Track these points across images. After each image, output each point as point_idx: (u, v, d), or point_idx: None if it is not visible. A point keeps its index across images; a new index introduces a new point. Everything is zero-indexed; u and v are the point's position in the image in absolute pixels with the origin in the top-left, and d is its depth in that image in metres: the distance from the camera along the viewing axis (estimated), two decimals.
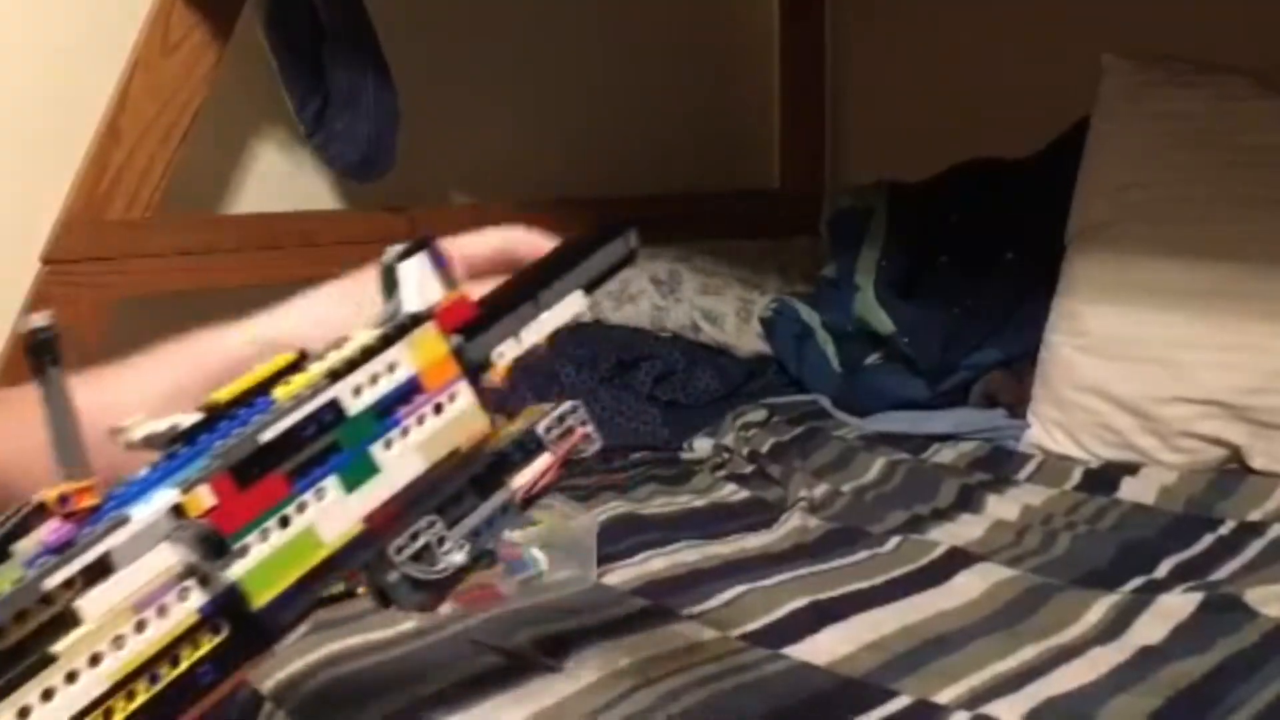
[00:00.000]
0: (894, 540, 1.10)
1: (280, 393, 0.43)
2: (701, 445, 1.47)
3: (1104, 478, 1.29)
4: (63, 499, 0.38)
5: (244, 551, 0.40)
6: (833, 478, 1.32)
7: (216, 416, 0.42)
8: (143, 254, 1.51)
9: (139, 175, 1.50)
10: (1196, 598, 0.94)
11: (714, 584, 1.01)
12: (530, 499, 0.49)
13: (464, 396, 0.47)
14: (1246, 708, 0.78)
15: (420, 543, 0.45)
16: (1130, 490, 1.25)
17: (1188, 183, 1.35)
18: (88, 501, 0.38)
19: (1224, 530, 1.12)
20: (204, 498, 0.40)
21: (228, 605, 0.39)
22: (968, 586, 1.00)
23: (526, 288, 0.52)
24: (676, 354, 1.70)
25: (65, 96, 1.49)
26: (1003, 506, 1.21)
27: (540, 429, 0.50)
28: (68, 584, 0.37)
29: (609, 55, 2.07)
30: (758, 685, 0.83)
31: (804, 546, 1.11)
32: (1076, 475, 1.30)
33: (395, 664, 0.88)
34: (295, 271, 1.67)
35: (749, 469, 1.37)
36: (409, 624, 0.95)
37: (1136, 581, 1.01)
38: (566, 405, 0.51)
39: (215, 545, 0.39)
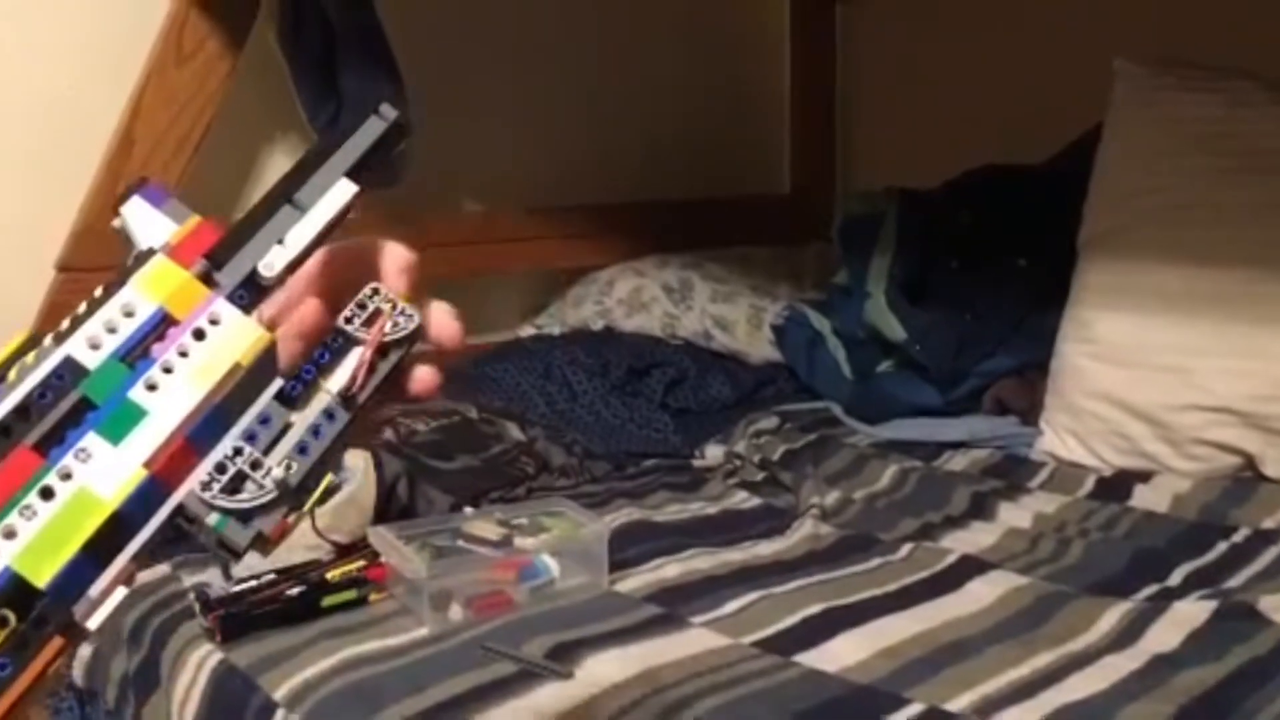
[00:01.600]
0: (906, 548, 1.10)
1: (13, 374, 0.41)
2: (713, 452, 1.47)
3: (1117, 485, 1.28)
4: None
5: (11, 534, 0.37)
6: (845, 485, 1.32)
7: None
8: None
9: None
10: (1210, 605, 0.93)
11: (726, 591, 1.01)
12: (354, 396, 0.45)
13: (227, 315, 0.43)
14: (1260, 716, 0.77)
15: (230, 473, 0.41)
16: (1143, 498, 1.24)
17: (1200, 188, 1.35)
18: None
19: (1237, 538, 1.12)
20: None
21: (6, 593, 0.37)
22: (980, 594, 1.00)
23: (280, 192, 0.48)
24: (688, 361, 1.70)
25: (80, 106, 1.50)
26: (1015, 514, 1.20)
27: (339, 322, 0.46)
28: None
29: (620, 62, 2.08)
30: (770, 692, 0.83)
31: (816, 554, 1.11)
32: (1089, 483, 1.30)
33: (407, 670, 0.89)
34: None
35: (761, 476, 1.37)
36: (420, 631, 0.95)
37: (1149, 589, 1.00)
38: (365, 290, 0.47)
39: None
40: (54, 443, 0.39)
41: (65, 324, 0.42)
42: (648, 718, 0.79)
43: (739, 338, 1.78)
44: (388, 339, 0.46)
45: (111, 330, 0.41)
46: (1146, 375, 1.32)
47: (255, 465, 0.41)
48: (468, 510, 1.16)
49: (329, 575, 1.01)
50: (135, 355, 0.41)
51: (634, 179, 2.06)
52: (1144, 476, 1.30)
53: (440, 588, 0.97)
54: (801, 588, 1.02)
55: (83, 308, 0.42)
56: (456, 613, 0.97)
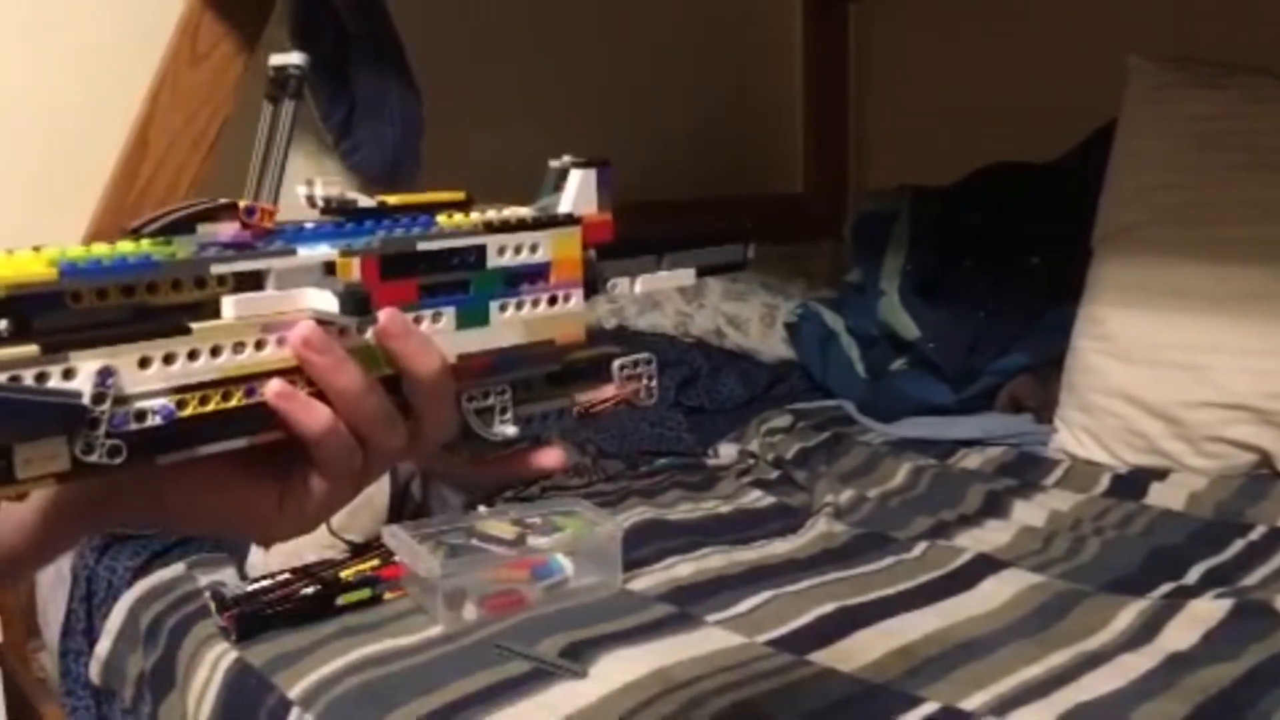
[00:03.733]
0: (920, 546, 1.10)
1: (443, 219, 0.48)
2: (726, 451, 1.47)
3: (1132, 483, 1.28)
4: (249, 210, 0.43)
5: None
6: (858, 483, 1.32)
7: (387, 212, 0.47)
8: None
9: (167, 185, 1.51)
10: (1226, 604, 0.93)
11: (739, 589, 1.01)
12: (588, 413, 0.53)
13: (576, 300, 0.52)
14: (1277, 715, 0.77)
15: (489, 402, 0.49)
16: (1159, 496, 1.24)
17: (1214, 185, 1.34)
18: (267, 223, 0.44)
19: (1254, 536, 1.11)
20: (353, 269, 0.44)
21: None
22: (995, 592, 0.99)
23: (659, 244, 0.56)
24: (701, 360, 1.70)
25: (94, 107, 1.51)
26: (1030, 512, 1.20)
27: (616, 364, 0.54)
28: (222, 279, 0.41)
29: (633, 62, 2.08)
30: (783, 691, 0.83)
31: (830, 552, 1.11)
32: (1104, 481, 1.29)
33: (421, 669, 0.89)
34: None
35: (774, 475, 1.37)
36: (434, 630, 0.95)
37: (1165, 587, 1.00)
38: (643, 355, 0.55)
39: (359, 304, 0.42)
40: (430, 293, 0.47)
41: (492, 214, 0.50)
42: (661, 717, 0.79)
43: (752, 336, 1.78)
44: (634, 401, 0.55)
45: (517, 251, 0.50)
46: (1162, 372, 1.31)
47: (503, 409, 0.49)
48: (481, 509, 1.16)
49: (343, 574, 1.01)
50: (513, 278, 0.49)
51: (647, 178, 2.06)
52: (1159, 474, 1.29)
53: (454, 587, 0.97)
54: (815, 586, 1.02)
55: (517, 217, 0.50)
56: (470, 612, 0.97)
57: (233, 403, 0.42)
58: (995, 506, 1.22)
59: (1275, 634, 0.88)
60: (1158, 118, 1.41)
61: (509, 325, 0.49)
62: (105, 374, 0.38)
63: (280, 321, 0.42)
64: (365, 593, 1.01)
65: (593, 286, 0.53)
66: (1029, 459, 1.38)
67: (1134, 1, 1.80)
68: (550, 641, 0.91)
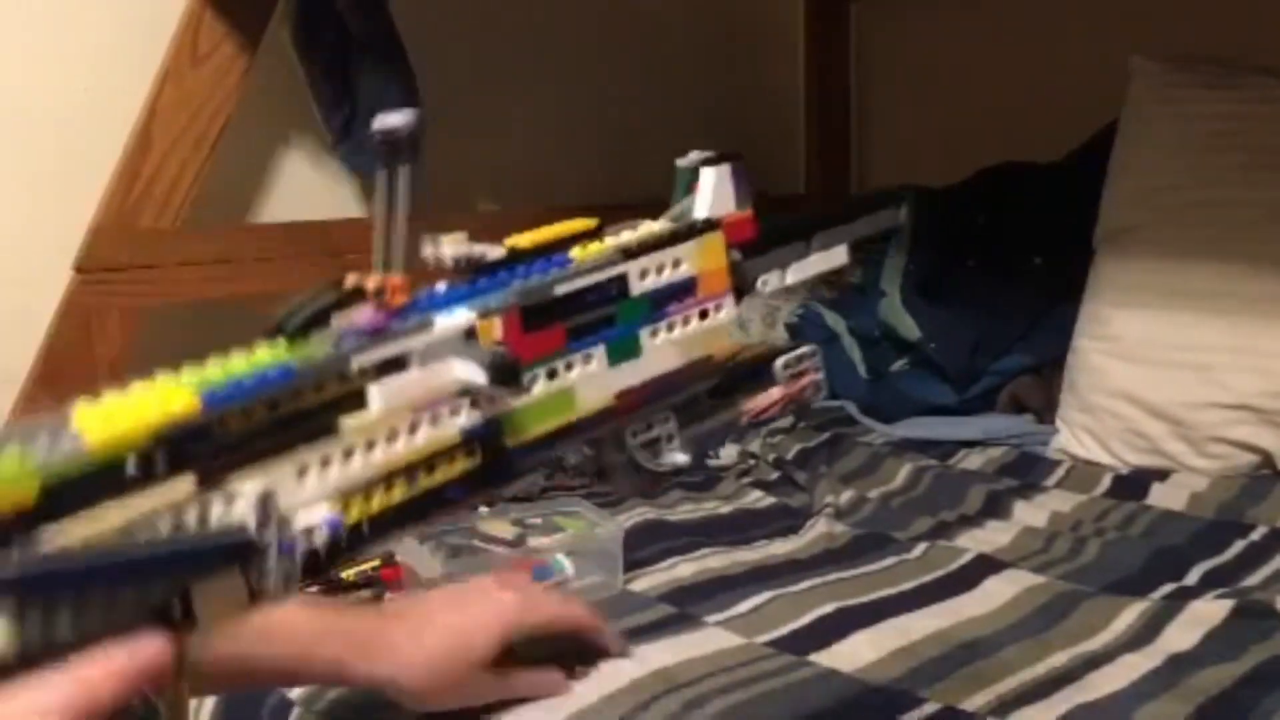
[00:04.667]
0: (921, 546, 1.10)
1: (577, 253, 0.46)
2: (727, 452, 1.46)
3: (1133, 484, 1.28)
4: (380, 290, 0.41)
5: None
6: (859, 484, 1.31)
7: (519, 259, 0.45)
8: (173, 263, 1.52)
9: (169, 184, 1.51)
10: (1228, 604, 0.93)
11: (740, 590, 1.01)
12: (753, 423, 0.51)
13: (728, 309, 0.50)
14: (1279, 716, 0.77)
15: (653, 433, 0.47)
16: (1160, 496, 1.24)
17: (1217, 185, 1.34)
18: (400, 298, 0.42)
19: (1255, 536, 1.11)
20: (495, 328, 0.43)
21: (487, 435, 0.42)
22: (996, 593, 0.99)
23: (804, 228, 0.54)
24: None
25: (96, 107, 1.51)
26: (1031, 513, 1.20)
27: (779, 363, 0.51)
28: (364, 370, 0.40)
29: (632, 60, 2.08)
30: (784, 692, 0.83)
31: (830, 553, 1.11)
32: (1106, 481, 1.29)
33: None
34: (324, 278, 1.68)
35: (775, 475, 1.37)
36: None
37: (1167, 588, 1.00)
38: (806, 348, 0.53)
39: (508, 373, 0.41)
40: (577, 335, 0.45)
41: (628, 237, 0.48)
42: (662, 717, 0.79)
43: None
44: (801, 399, 0.53)
45: (659, 271, 0.48)
46: (1164, 373, 1.31)
47: (670, 438, 0.48)
48: (482, 510, 1.16)
49: (344, 574, 1.01)
50: (660, 299, 0.48)
51: (649, 178, 2.05)
52: (1161, 475, 1.29)
53: None
54: (816, 587, 1.02)
55: (652, 234, 0.48)
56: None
57: (397, 495, 0.40)
58: (996, 507, 1.22)
59: (1277, 635, 0.88)
60: (1161, 118, 1.41)
61: (663, 350, 0.47)
62: (265, 500, 0.37)
63: (430, 400, 0.41)
64: (366, 593, 1.01)
65: (742, 290, 0.51)
66: (1030, 459, 1.38)
67: (1137, 1, 1.80)
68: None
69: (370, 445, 0.39)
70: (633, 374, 0.46)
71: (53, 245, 1.46)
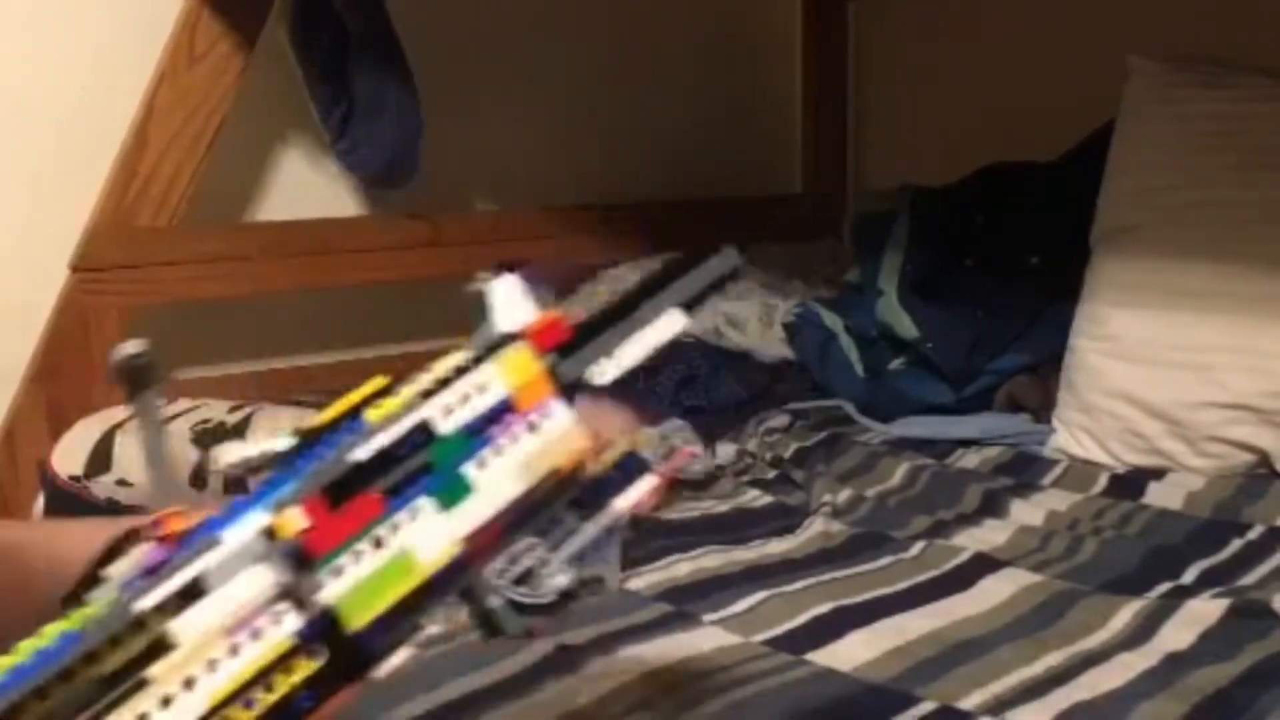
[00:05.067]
0: (918, 545, 1.10)
1: (372, 414, 0.43)
2: (725, 451, 1.46)
3: (1130, 483, 1.28)
4: (155, 523, 0.38)
5: (339, 573, 0.40)
6: (856, 483, 1.31)
7: (310, 441, 0.42)
8: (169, 261, 1.52)
9: (166, 183, 1.51)
10: (1224, 603, 0.93)
11: (737, 589, 1.01)
12: (637, 518, 0.47)
13: (560, 415, 0.46)
14: (1275, 715, 0.77)
15: (522, 566, 0.45)
16: (1157, 495, 1.24)
17: (1214, 185, 1.34)
18: (180, 525, 0.38)
19: (1252, 535, 1.11)
20: (296, 519, 0.39)
21: (324, 629, 0.39)
22: (992, 592, 0.99)
23: (623, 307, 0.51)
24: (700, 359, 1.70)
25: (93, 106, 1.51)
26: (1028, 512, 1.20)
27: (643, 450, 0.48)
28: (160, 607, 0.36)
29: (630, 60, 2.08)
30: (780, 691, 0.83)
31: (827, 552, 1.11)
32: (1102, 480, 1.29)
33: (417, 669, 0.88)
34: (319, 278, 1.69)
35: (772, 474, 1.37)
36: (432, 629, 0.95)
37: (1163, 587, 1.00)
38: (671, 423, 0.50)
39: (304, 564, 0.38)
40: (394, 494, 0.41)
41: (428, 381, 0.44)
42: (658, 716, 0.79)
43: (751, 335, 1.78)
44: (687, 476, 0.47)
45: (465, 401, 0.44)
46: (1161, 372, 1.31)
47: (543, 563, 0.44)
48: None
49: None
50: (475, 431, 0.44)
51: (646, 178, 2.06)
52: (1158, 474, 1.29)
53: None
54: (812, 586, 1.02)
55: (447, 370, 0.45)
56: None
57: (259, 710, 0.37)
58: (993, 506, 1.22)
59: (1273, 634, 0.88)
60: (1158, 118, 1.41)
61: (498, 479, 0.44)
62: None
63: (245, 615, 0.37)
64: None
65: (569, 392, 0.47)
66: (1027, 459, 1.38)
67: (1135, 1, 1.80)
68: (547, 640, 0.90)
69: (189, 683, 0.36)
70: (473, 514, 0.43)
71: (50, 244, 1.46)
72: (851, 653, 0.88)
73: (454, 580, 0.43)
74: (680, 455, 0.49)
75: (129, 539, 0.38)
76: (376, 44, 1.61)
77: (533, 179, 1.94)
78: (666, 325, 0.51)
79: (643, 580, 1.04)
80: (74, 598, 0.37)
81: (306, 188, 1.73)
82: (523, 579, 0.45)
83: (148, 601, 0.36)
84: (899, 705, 0.80)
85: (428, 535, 0.42)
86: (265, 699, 0.37)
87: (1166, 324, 1.32)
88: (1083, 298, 1.41)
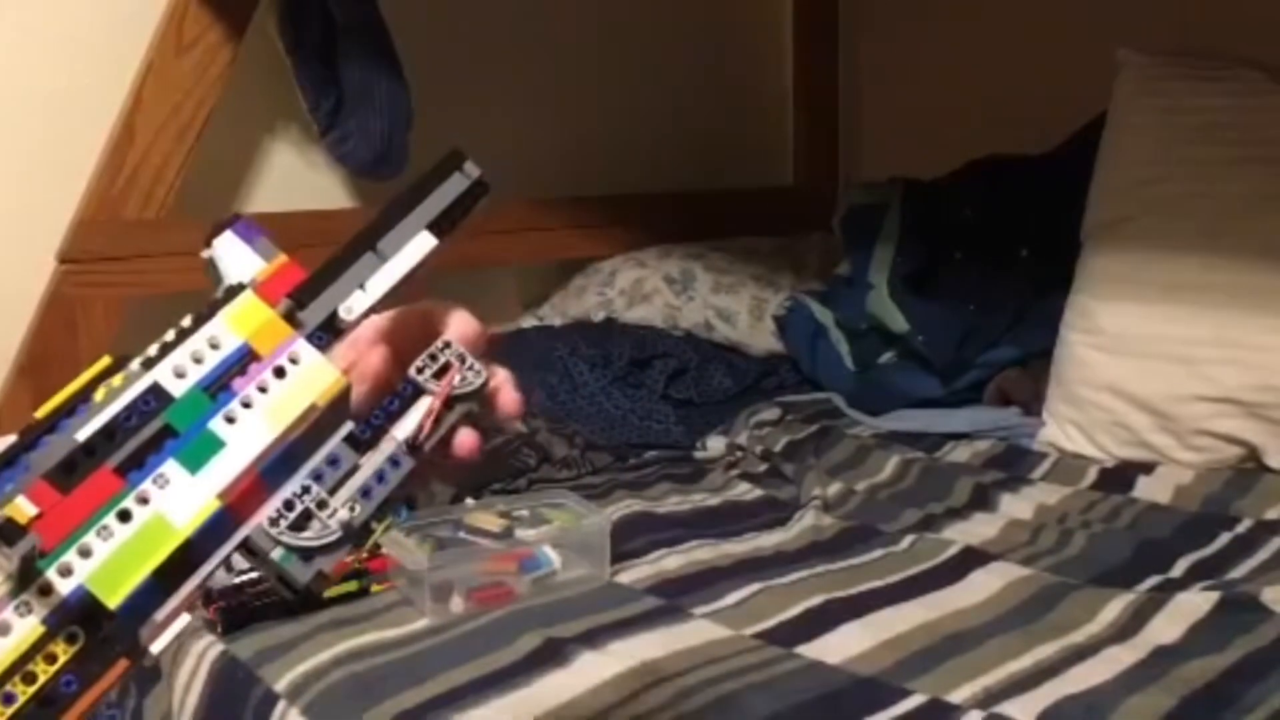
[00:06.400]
0: (908, 539, 1.10)
1: (100, 394, 0.42)
2: (715, 444, 1.46)
3: (1119, 476, 1.28)
4: None
5: (87, 553, 0.39)
6: (847, 476, 1.32)
7: (35, 433, 0.40)
8: (157, 253, 1.51)
9: (154, 175, 1.50)
10: (1213, 597, 0.93)
11: (727, 582, 1.01)
12: (420, 445, 0.46)
13: (306, 355, 0.45)
14: (1263, 707, 0.77)
15: (297, 510, 0.43)
16: (1146, 489, 1.24)
17: (1204, 178, 1.34)
18: None
19: (1241, 529, 1.11)
20: (24, 508, 0.38)
21: (77, 610, 0.38)
22: (982, 585, 0.99)
23: (364, 239, 0.50)
24: (690, 352, 1.70)
25: (80, 97, 1.50)
26: (1017, 505, 1.20)
27: (411, 372, 0.47)
28: None
29: (621, 53, 2.07)
30: (770, 684, 0.83)
31: (818, 545, 1.11)
32: (1091, 474, 1.30)
33: (407, 662, 0.88)
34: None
35: (763, 468, 1.37)
36: (421, 623, 0.95)
37: (1152, 580, 1.00)
38: (437, 343, 0.48)
39: (38, 553, 0.37)
40: (135, 466, 0.40)
41: (153, 350, 0.43)
42: (648, 709, 0.79)
43: (741, 329, 1.78)
44: (456, 392, 0.47)
45: (198, 361, 0.43)
46: (1150, 366, 1.31)
47: (321, 504, 0.43)
48: (469, 502, 1.16)
49: None
50: (217, 387, 0.43)
51: (636, 170, 2.05)
52: (1146, 468, 1.29)
53: (441, 579, 0.97)
54: (803, 579, 1.02)
55: (170, 335, 0.44)
56: (457, 604, 0.97)
57: (21, 702, 0.36)
58: (983, 499, 1.22)
59: (1261, 627, 0.88)
60: (1147, 111, 1.41)
61: (248, 429, 0.43)
62: None
63: None
64: (352, 585, 1.01)
65: (323, 331, 0.46)
66: (1017, 452, 1.39)
67: None
68: (537, 634, 0.90)
69: None
70: (226, 468, 0.42)
71: (37, 236, 1.45)
72: (842, 646, 0.88)
73: (218, 538, 0.42)
74: (451, 371, 0.47)
75: None
76: (366, 35, 1.60)
77: (523, 171, 1.93)
78: (415, 250, 0.50)
79: (633, 574, 1.04)
80: None
81: (295, 179, 1.72)
82: (302, 524, 0.43)
83: None
84: (889, 698, 0.80)
85: (180, 499, 0.41)
86: (25, 690, 0.37)
87: (1156, 317, 1.32)
88: (1072, 291, 1.41)
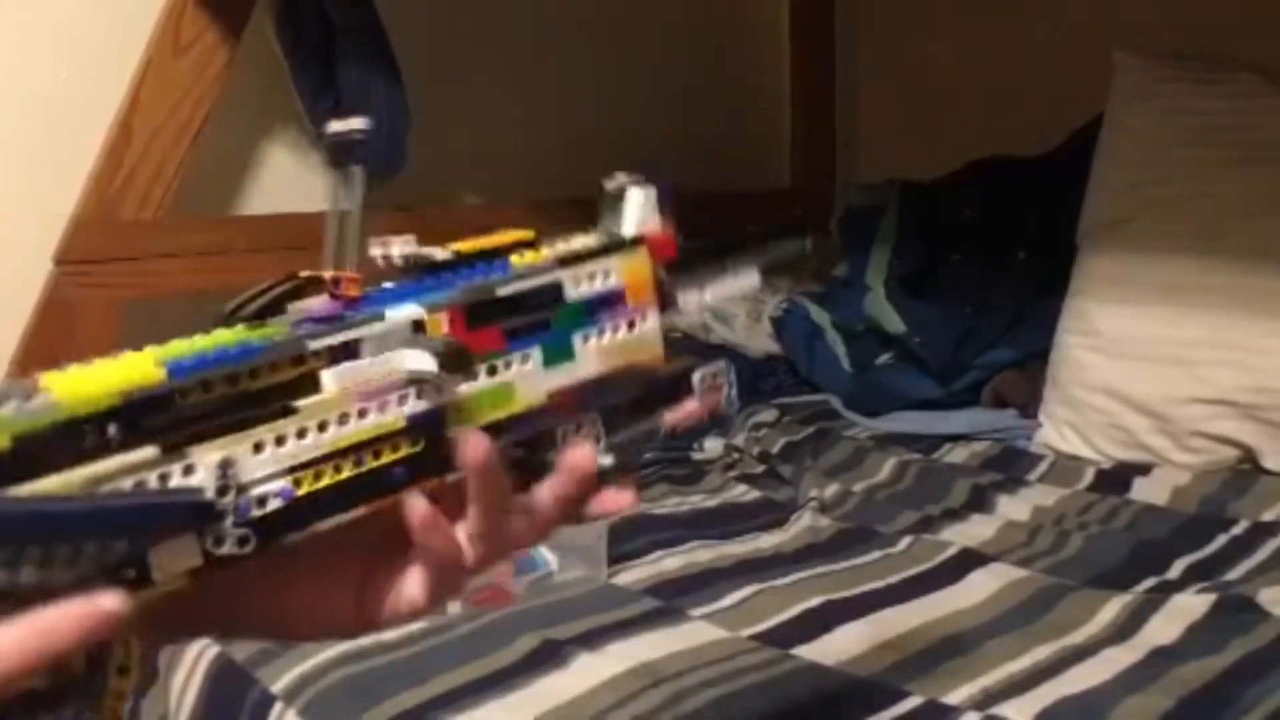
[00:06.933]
0: (905, 540, 1.10)
1: (516, 260, 0.49)
2: (713, 445, 1.46)
3: (1116, 478, 1.28)
4: (336, 281, 0.44)
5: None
6: (844, 478, 1.32)
7: (463, 262, 0.48)
8: (155, 254, 1.51)
9: (151, 176, 1.50)
10: (1209, 598, 0.93)
11: (725, 584, 1.01)
12: (670, 434, 0.53)
13: (652, 320, 0.52)
14: (1260, 708, 0.77)
15: (582, 434, 0.49)
16: (1142, 490, 1.24)
17: (1200, 180, 1.35)
18: (354, 291, 0.44)
19: (1237, 530, 1.12)
20: (441, 324, 0.45)
21: (429, 423, 0.44)
22: (979, 587, 1.00)
23: (721, 252, 0.57)
24: (688, 354, 1.69)
25: (78, 97, 1.49)
26: (1014, 507, 1.20)
27: (696, 376, 0.54)
28: (319, 353, 0.42)
29: (618, 54, 2.07)
30: (768, 685, 0.83)
31: (815, 546, 1.11)
32: (1088, 475, 1.30)
33: (405, 663, 0.88)
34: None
35: (760, 469, 1.37)
36: (418, 624, 0.95)
37: (1149, 582, 1.00)
38: (721, 363, 0.55)
39: (459, 361, 0.43)
40: (515, 335, 0.47)
41: (562, 247, 0.50)
42: (646, 710, 0.79)
43: (738, 330, 1.78)
44: (716, 411, 0.54)
45: (592, 280, 0.50)
46: (1146, 367, 1.31)
47: (598, 440, 0.50)
48: None
49: None
50: (591, 308, 0.50)
51: (634, 171, 2.05)
52: (1143, 469, 1.29)
53: None
54: (800, 580, 1.02)
55: (577, 243, 0.51)
56: (454, 606, 0.97)
57: (344, 475, 0.42)
58: (980, 501, 1.22)
59: (1258, 628, 0.88)
60: (1144, 113, 1.41)
61: (593, 355, 0.50)
62: (226, 466, 0.39)
63: (380, 387, 0.43)
64: None
65: (665, 304, 0.53)
66: (1014, 454, 1.39)
67: None
68: (534, 635, 0.90)
69: (322, 426, 0.42)
70: (565, 376, 0.49)
71: (33, 237, 1.45)
72: (839, 647, 0.89)
73: (534, 424, 0.48)
74: (720, 393, 0.54)
75: (311, 284, 0.44)
76: (363, 36, 1.60)
77: (520, 172, 1.93)
78: (747, 279, 0.57)
79: (631, 575, 1.04)
80: (253, 315, 0.42)
81: (293, 180, 1.72)
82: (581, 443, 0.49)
83: (315, 344, 0.42)
84: (886, 699, 0.80)
85: (527, 379, 0.47)
86: (371, 461, 0.43)
87: (1153, 319, 1.33)
88: (1069, 293, 1.41)
